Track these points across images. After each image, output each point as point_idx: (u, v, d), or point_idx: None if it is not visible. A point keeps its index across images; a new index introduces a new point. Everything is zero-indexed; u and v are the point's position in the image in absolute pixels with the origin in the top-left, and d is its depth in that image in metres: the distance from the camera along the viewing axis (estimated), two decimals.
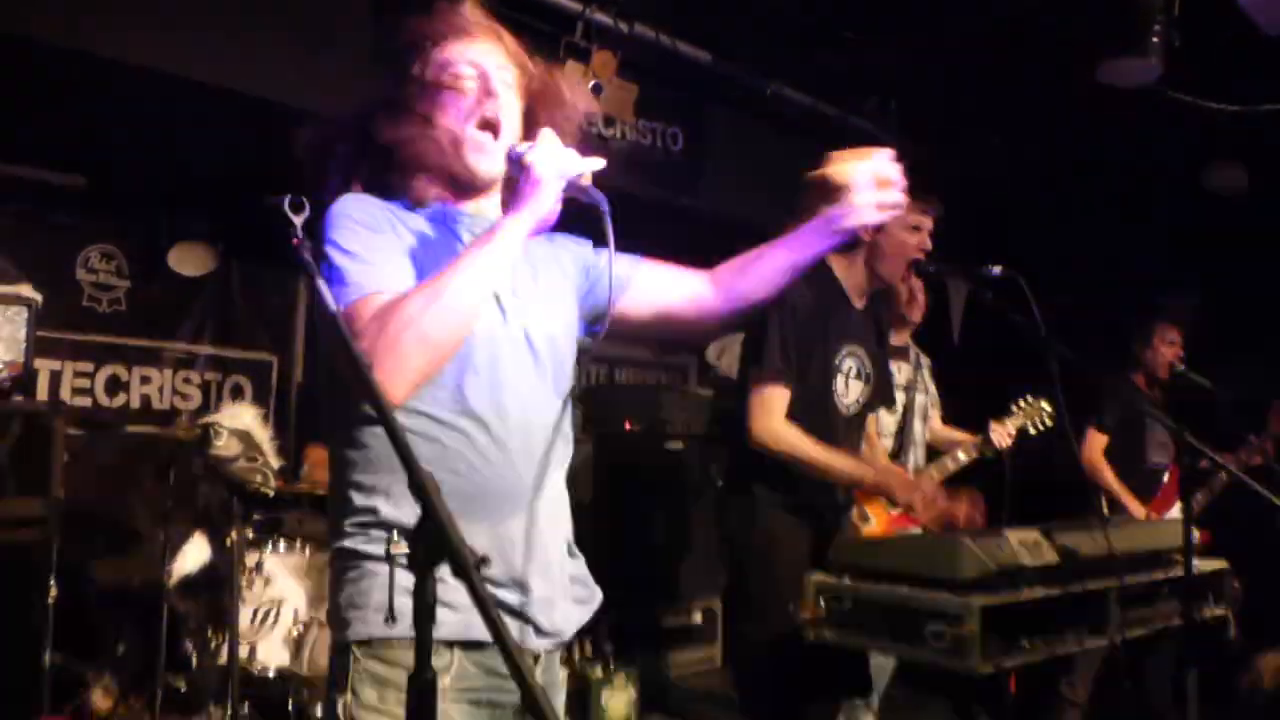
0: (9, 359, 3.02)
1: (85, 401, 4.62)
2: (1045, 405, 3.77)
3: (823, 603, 2.39)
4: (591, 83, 3.91)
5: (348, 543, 1.56)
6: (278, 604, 3.89)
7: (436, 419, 1.53)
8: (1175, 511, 4.33)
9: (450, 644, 1.49)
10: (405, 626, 1.46)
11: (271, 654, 3.87)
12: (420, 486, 1.20)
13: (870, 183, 1.71)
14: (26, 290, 3.18)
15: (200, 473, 3.39)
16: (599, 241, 1.72)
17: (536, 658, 1.63)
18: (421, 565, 1.21)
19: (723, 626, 5.36)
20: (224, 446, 3.29)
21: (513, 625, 1.53)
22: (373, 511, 1.54)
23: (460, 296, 1.46)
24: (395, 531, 1.22)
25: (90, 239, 4.72)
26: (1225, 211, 5.07)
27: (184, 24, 3.60)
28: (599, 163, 1.56)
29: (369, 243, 1.52)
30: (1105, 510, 4.25)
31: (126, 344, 4.81)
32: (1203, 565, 2.76)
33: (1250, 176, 4.90)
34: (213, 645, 3.67)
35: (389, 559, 1.20)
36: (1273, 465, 4.24)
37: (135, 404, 4.82)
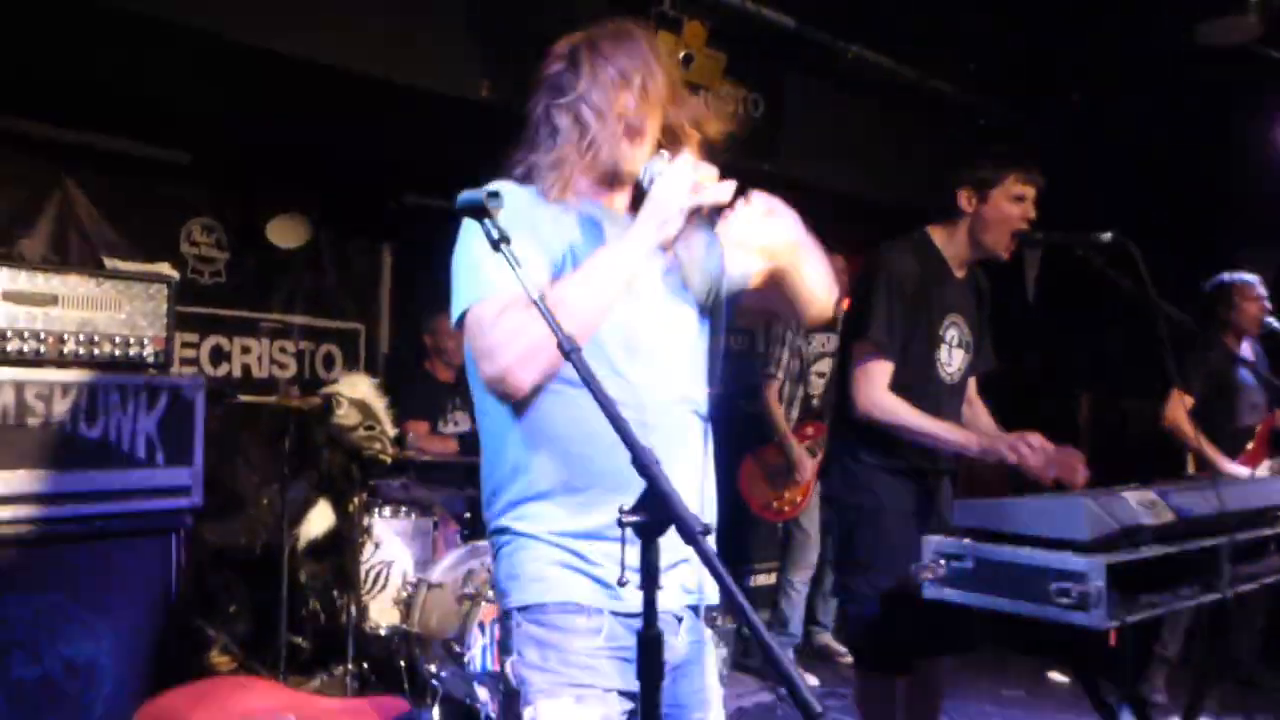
0: (153, 334, 3.18)
1: (192, 371, 4.79)
2: None
3: (943, 562, 2.47)
4: (683, 53, 3.96)
5: (502, 520, 1.70)
6: (387, 566, 4.08)
7: (563, 406, 1.64)
8: (1263, 469, 4.35)
9: (600, 611, 1.62)
10: (558, 593, 1.62)
11: (383, 614, 4.05)
12: (643, 464, 1.30)
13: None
14: (166, 269, 3.33)
15: (322, 441, 3.54)
16: None
17: (680, 619, 1.73)
18: (647, 532, 1.33)
19: None
20: (345, 416, 3.44)
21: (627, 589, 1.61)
22: (521, 491, 1.67)
23: (585, 304, 1.56)
24: (623, 503, 1.33)
25: (193, 213, 4.86)
26: None
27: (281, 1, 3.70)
28: (726, 193, 1.61)
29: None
30: (1193, 469, 4.28)
31: (227, 315, 4.97)
32: None
33: None
34: (338, 606, 3.84)
35: (620, 526, 1.31)
36: None
37: (237, 373, 4.99)
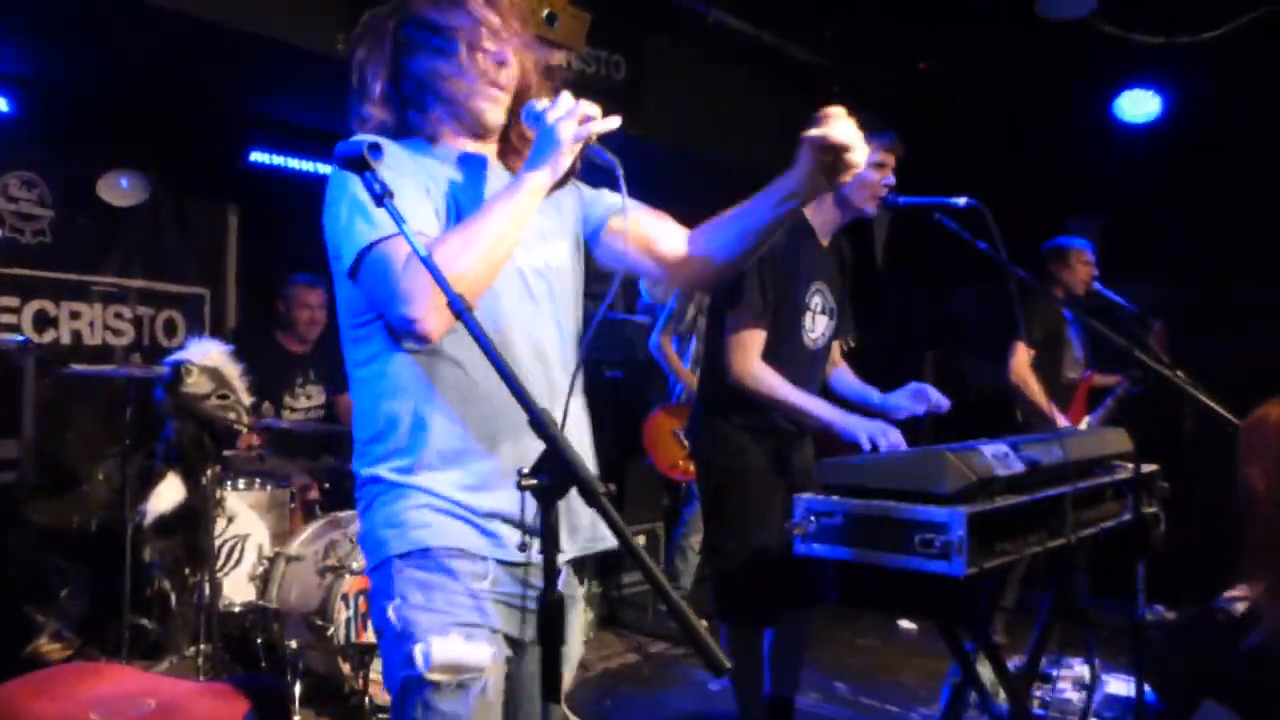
0: None
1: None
2: None
3: (813, 519, 2.53)
4: (546, 12, 3.89)
5: (380, 469, 1.66)
6: (243, 540, 3.90)
7: (449, 355, 1.63)
8: (1084, 425, 4.67)
9: (485, 558, 1.62)
10: (444, 539, 1.60)
11: (238, 590, 3.88)
12: (541, 424, 1.28)
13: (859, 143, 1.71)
14: None
15: (170, 411, 3.33)
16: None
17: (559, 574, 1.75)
18: (548, 494, 1.30)
19: (664, 547, 5.53)
20: (195, 384, 3.24)
21: (517, 538, 1.62)
22: (403, 442, 1.63)
23: (492, 243, 1.53)
24: (522, 467, 1.29)
25: (9, 166, 4.48)
26: (1134, 140, 5.37)
27: None
28: (614, 123, 1.60)
29: (395, 185, 1.51)
30: (1021, 422, 4.53)
31: (53, 277, 4.61)
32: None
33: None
34: (190, 584, 3.65)
35: (519, 490, 1.28)
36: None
37: (66, 339, 4.65)
